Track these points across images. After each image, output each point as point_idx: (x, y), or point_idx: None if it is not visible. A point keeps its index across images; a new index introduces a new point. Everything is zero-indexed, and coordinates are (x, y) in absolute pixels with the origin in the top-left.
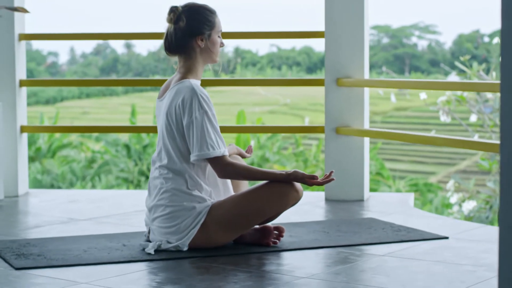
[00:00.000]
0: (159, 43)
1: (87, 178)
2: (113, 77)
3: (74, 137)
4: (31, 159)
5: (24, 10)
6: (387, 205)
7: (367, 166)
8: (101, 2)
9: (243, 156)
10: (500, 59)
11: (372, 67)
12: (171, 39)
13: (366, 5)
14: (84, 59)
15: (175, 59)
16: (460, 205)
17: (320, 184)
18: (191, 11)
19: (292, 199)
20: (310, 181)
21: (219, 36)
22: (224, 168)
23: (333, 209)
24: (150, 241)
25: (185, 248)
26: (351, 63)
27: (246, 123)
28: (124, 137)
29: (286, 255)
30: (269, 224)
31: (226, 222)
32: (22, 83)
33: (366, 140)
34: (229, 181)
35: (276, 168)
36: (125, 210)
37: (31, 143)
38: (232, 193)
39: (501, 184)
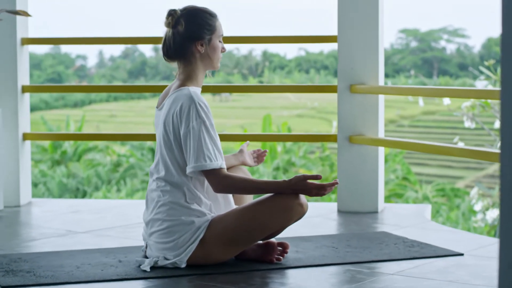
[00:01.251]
0: None
1: (112, 182)
2: (141, 80)
3: (100, 141)
4: (57, 163)
5: (26, 14)
6: (402, 218)
7: (382, 177)
8: (109, 5)
9: (246, 165)
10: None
11: (400, 70)
12: (169, 44)
13: (381, 8)
14: (112, 62)
15: (174, 65)
16: (484, 213)
17: (324, 187)
18: (190, 15)
19: (297, 213)
20: (313, 188)
21: (220, 41)
22: (221, 181)
23: (345, 222)
24: (147, 257)
25: (183, 265)
26: (365, 69)
27: (272, 127)
28: (149, 140)
29: (290, 272)
30: (273, 239)
31: (226, 238)
32: (24, 89)
33: (381, 149)
34: (230, 194)
35: (302, 173)
36: (128, 222)
37: (56, 146)
38: (233, 206)
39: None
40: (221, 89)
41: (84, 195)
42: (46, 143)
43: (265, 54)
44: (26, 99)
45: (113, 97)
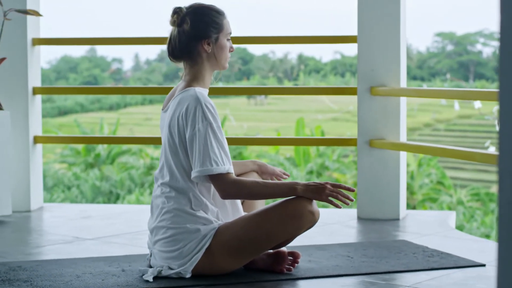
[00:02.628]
0: None
1: (145, 185)
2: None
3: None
4: (90, 165)
5: (36, 13)
6: (424, 225)
7: (404, 182)
8: (113, 7)
9: (264, 172)
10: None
11: (436, 74)
12: (174, 43)
13: (402, 7)
14: (148, 65)
15: (180, 65)
16: None
17: (340, 185)
18: (196, 13)
19: (307, 222)
20: (327, 186)
21: (228, 40)
22: (228, 187)
23: (364, 230)
24: (151, 266)
25: (188, 275)
26: (386, 70)
27: (306, 131)
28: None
29: (300, 284)
30: (284, 248)
31: (233, 247)
32: (35, 91)
33: (403, 154)
34: (238, 200)
35: (336, 177)
36: (139, 229)
37: (90, 149)
38: (242, 213)
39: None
40: (226, 91)
41: (117, 198)
42: (79, 146)
43: (300, 57)
44: (37, 101)
45: (148, 100)
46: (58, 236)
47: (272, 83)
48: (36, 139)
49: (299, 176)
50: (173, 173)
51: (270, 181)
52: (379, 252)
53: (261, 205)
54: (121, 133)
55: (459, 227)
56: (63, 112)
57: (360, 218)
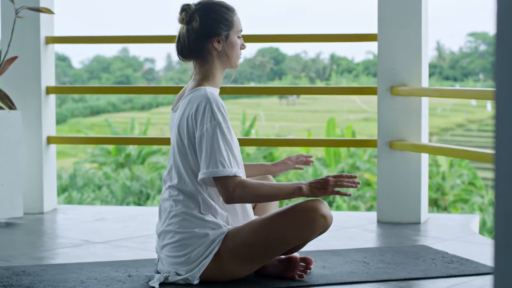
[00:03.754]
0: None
1: None
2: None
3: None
4: (121, 165)
5: (48, 11)
6: (446, 230)
7: (425, 185)
8: (120, 6)
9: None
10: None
11: (469, 74)
12: (183, 41)
13: (424, 3)
14: (180, 65)
15: (190, 64)
16: None
17: (341, 175)
18: (205, 9)
19: (319, 226)
20: (330, 178)
21: (239, 37)
22: (232, 190)
23: (384, 234)
24: (159, 272)
25: (196, 281)
26: (407, 69)
27: (336, 131)
28: None
29: None
30: (296, 254)
31: (242, 252)
32: (49, 90)
33: (424, 156)
34: (248, 204)
35: (367, 177)
36: (151, 232)
37: (121, 149)
38: (252, 217)
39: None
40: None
41: (147, 198)
42: (110, 146)
43: (332, 57)
44: (51, 101)
45: None
46: (68, 240)
47: (304, 83)
48: (50, 140)
49: None
50: (181, 176)
51: (276, 182)
52: (396, 257)
53: (273, 209)
54: (152, 133)
55: (489, 229)
56: (95, 112)
57: (379, 222)
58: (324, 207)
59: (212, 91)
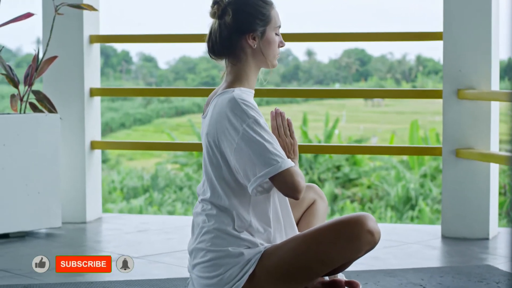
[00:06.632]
0: (340, 50)
1: None
2: (294, 84)
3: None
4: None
5: (91, 8)
6: None
7: (495, 197)
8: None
9: None
10: None
11: None
12: (215, 38)
13: (494, 0)
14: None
15: (222, 63)
16: None
17: None
18: (240, 3)
19: (366, 243)
20: None
21: (277, 34)
22: (298, 182)
23: (447, 251)
24: None
25: None
26: (476, 71)
27: (420, 133)
28: None
29: None
30: (342, 275)
31: (280, 273)
32: (93, 92)
33: (494, 165)
34: (292, 218)
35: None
36: None
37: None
38: (296, 232)
39: None
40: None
41: None
42: None
43: (418, 58)
44: (95, 103)
45: (265, 101)
46: (102, 253)
47: (389, 84)
48: (93, 145)
49: (412, 179)
50: (214, 188)
51: None
52: (457, 280)
53: (318, 223)
54: None
55: None
56: (180, 113)
57: (444, 237)
58: (371, 221)
59: (242, 92)
